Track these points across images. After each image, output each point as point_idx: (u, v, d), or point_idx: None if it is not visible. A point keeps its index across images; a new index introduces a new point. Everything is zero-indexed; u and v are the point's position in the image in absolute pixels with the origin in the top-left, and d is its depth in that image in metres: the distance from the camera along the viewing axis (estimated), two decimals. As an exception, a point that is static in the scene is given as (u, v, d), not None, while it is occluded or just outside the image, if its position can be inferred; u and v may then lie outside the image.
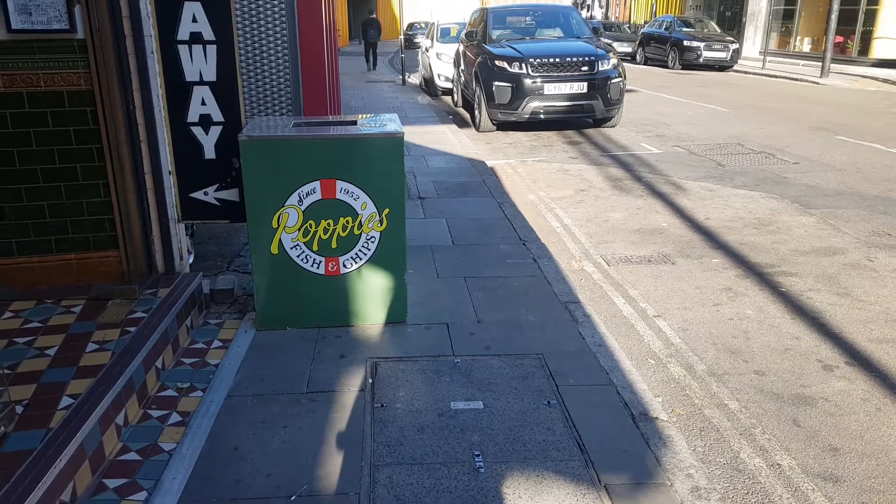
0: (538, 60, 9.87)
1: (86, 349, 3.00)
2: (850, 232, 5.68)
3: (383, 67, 23.56)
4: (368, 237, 3.57)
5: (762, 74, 20.22)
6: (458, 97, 13.17)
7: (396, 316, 3.74)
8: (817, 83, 17.82)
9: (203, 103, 3.60)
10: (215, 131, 3.65)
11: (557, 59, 9.91)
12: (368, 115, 3.96)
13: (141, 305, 3.41)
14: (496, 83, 9.88)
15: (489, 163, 8.16)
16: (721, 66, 21.60)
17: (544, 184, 7.34)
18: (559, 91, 9.79)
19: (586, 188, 7.15)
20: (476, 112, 10.60)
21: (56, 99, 3.37)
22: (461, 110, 12.87)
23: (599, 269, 4.97)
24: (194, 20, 3.48)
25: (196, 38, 3.50)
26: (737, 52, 21.95)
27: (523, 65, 9.85)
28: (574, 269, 4.97)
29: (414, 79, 18.39)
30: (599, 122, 10.59)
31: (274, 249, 3.52)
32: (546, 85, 9.75)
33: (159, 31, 3.47)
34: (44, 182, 3.47)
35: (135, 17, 3.39)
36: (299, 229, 3.51)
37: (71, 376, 2.78)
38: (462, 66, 12.15)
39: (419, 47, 19.26)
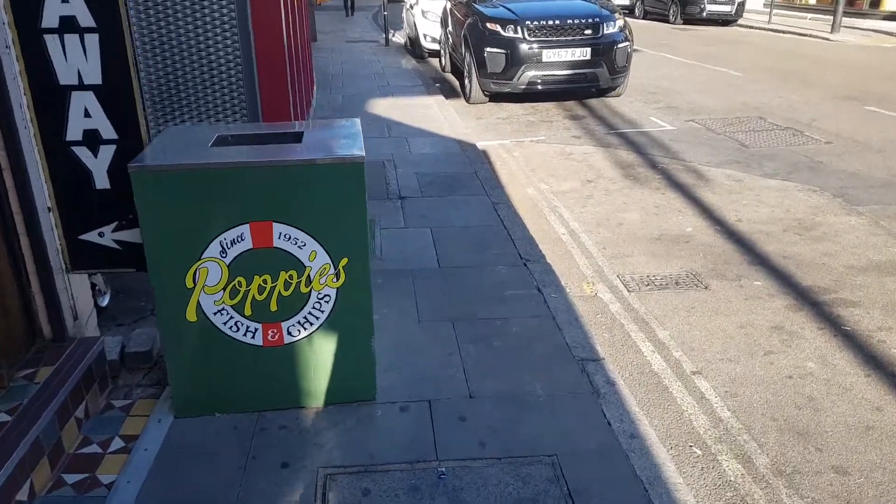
0: (536, 23, 8.75)
1: None
2: (912, 239, 4.79)
3: (365, 23, 22.07)
4: (320, 296, 2.64)
5: (768, 30, 19.02)
6: (445, 61, 12.02)
7: (362, 392, 2.84)
8: (828, 39, 16.71)
9: (87, 115, 2.61)
10: (107, 152, 2.67)
11: (557, 22, 8.79)
12: (319, 125, 2.98)
13: (7, 401, 2.48)
14: (488, 49, 8.77)
15: (480, 145, 7.16)
16: (725, 21, 20.34)
17: (545, 172, 6.37)
18: (559, 58, 8.70)
19: (594, 178, 6.19)
20: (466, 81, 9.51)
21: None
22: (449, 76, 11.74)
23: (617, 295, 4.06)
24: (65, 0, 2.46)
25: (68, 24, 2.48)
26: (741, 6, 20.64)
27: (519, 28, 8.73)
28: (587, 295, 4.06)
29: (398, 38, 17.07)
30: (603, 92, 9.53)
31: (191, 316, 2.59)
32: (545, 51, 8.65)
33: (16, 17, 2.45)
34: None
35: (-23, -5, 2.38)
36: (224, 289, 2.57)
37: None
38: (450, 27, 10.97)
39: (403, 3, 17.89)
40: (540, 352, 3.27)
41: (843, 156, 6.74)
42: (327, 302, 2.65)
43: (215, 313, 2.60)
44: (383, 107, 8.80)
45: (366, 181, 2.53)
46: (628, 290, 4.13)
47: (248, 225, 2.50)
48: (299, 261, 2.57)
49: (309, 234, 2.54)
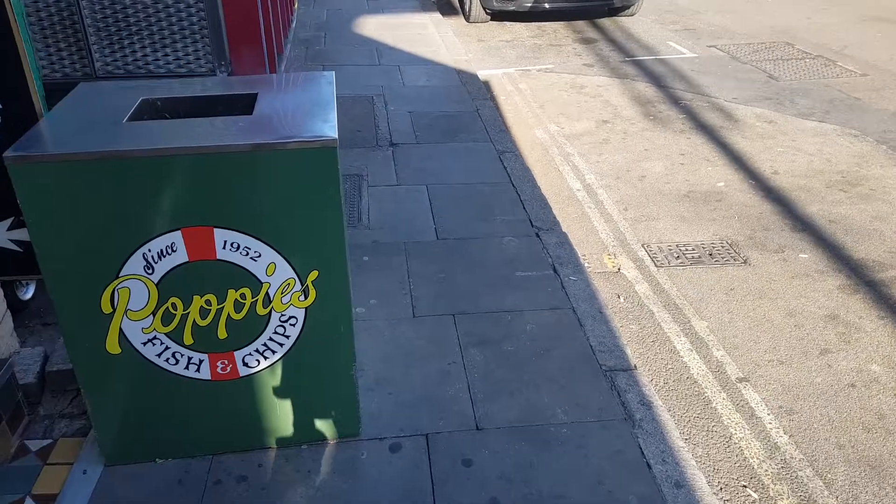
0: (542, -70, 7.70)
1: None
2: (977, 198, 4.18)
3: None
4: (284, 318, 2.03)
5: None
6: (440, -28, 10.84)
7: (342, 428, 2.28)
8: (853, -52, 15.42)
9: (-45, 75, 1.91)
10: (-12, 126, 1.98)
11: (567, -72, 7.75)
12: (280, 83, 2.27)
13: None
14: (489, -40, 7.76)
15: (482, 74, 6.35)
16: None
17: (555, 110, 5.62)
18: (569, -28, 7.72)
19: (610, 118, 5.46)
20: (463, -3, 8.51)
21: None
22: (445, -11, 10.63)
23: (644, 272, 3.47)
24: None
25: None
26: None
27: (523, -64, 7.68)
28: (609, 270, 3.48)
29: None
30: (615, 10, 8.57)
31: (112, 347, 1.98)
32: (552, -36, 7.66)
33: None
34: None
35: None
36: (154, 314, 1.95)
37: None
38: (444, -66, 9.78)
39: None
40: (560, 359, 2.70)
41: (882, 91, 6.00)
42: (293, 325, 2.04)
43: (145, 343, 1.99)
44: (373, 26, 7.86)
45: (339, 163, 1.87)
46: (656, 265, 3.54)
47: (179, 232, 1.85)
48: (253, 276, 1.94)
49: (264, 242, 1.90)
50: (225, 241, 1.89)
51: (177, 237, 1.86)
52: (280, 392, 2.14)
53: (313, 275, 1.97)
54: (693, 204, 4.15)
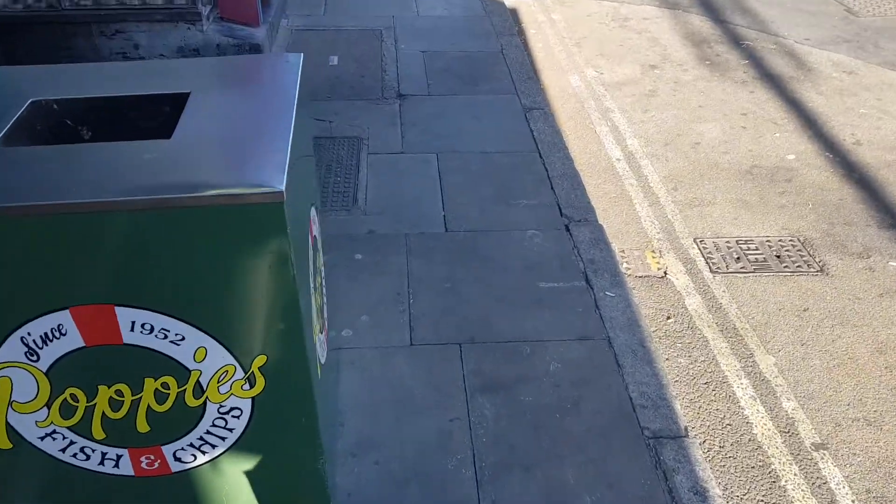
0: None
1: None
2: None
3: None
4: (224, 409, 1.50)
5: None
6: None
7: (311, 519, 1.81)
8: None
9: None
10: None
11: None
12: (224, 72, 1.63)
13: None
14: None
15: (510, 0, 5.51)
16: None
17: (593, 49, 4.82)
18: None
19: (658, 61, 4.66)
20: None
21: None
22: None
23: (695, 278, 2.87)
24: None
25: None
26: None
27: None
28: (653, 274, 2.88)
29: None
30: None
31: (1, 442, 1.49)
32: None
33: None
34: None
35: None
36: (48, 406, 1.44)
37: None
38: None
39: None
40: (590, 417, 2.17)
41: None
42: (237, 417, 1.52)
43: (43, 438, 1.49)
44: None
45: (288, 223, 1.28)
46: (711, 269, 2.93)
47: (67, 311, 1.31)
48: (177, 362, 1.41)
49: (187, 323, 1.35)
50: (132, 322, 1.34)
51: (64, 318, 1.31)
52: (224, 486, 1.66)
53: (260, 360, 1.43)
54: (757, 183, 3.47)
